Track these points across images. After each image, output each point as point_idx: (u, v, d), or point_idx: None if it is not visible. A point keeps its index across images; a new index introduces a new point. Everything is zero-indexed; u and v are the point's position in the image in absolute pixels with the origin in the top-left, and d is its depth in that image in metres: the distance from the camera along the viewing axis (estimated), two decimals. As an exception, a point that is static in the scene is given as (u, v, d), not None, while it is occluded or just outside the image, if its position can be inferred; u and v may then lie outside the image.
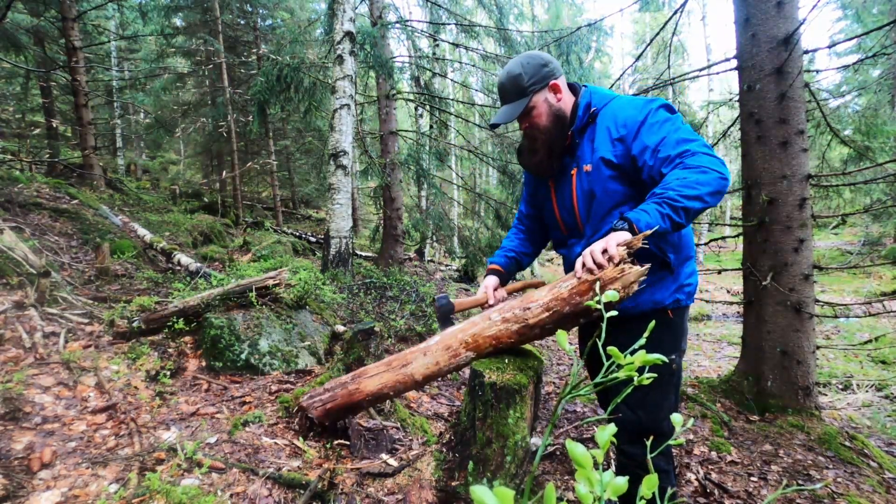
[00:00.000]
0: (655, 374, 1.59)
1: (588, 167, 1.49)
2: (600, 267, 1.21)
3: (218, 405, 2.38)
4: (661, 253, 1.47)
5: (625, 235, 1.22)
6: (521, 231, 1.92)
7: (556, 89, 1.51)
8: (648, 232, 1.20)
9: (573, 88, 1.58)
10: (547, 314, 1.34)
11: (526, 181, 1.86)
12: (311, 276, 3.97)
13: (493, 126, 1.60)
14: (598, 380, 0.59)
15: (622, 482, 0.51)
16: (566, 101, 1.53)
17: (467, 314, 3.11)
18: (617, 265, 1.20)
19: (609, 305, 1.21)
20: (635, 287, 1.19)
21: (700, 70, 4.22)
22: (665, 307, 1.51)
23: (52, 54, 9.66)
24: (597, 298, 0.69)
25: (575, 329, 1.67)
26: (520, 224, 1.93)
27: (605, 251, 1.21)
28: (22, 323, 2.62)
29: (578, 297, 1.27)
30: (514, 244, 1.88)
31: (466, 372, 1.85)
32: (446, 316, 1.82)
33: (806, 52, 3.08)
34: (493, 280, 1.78)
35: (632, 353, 0.62)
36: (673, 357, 1.52)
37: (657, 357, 0.59)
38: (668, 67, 4.55)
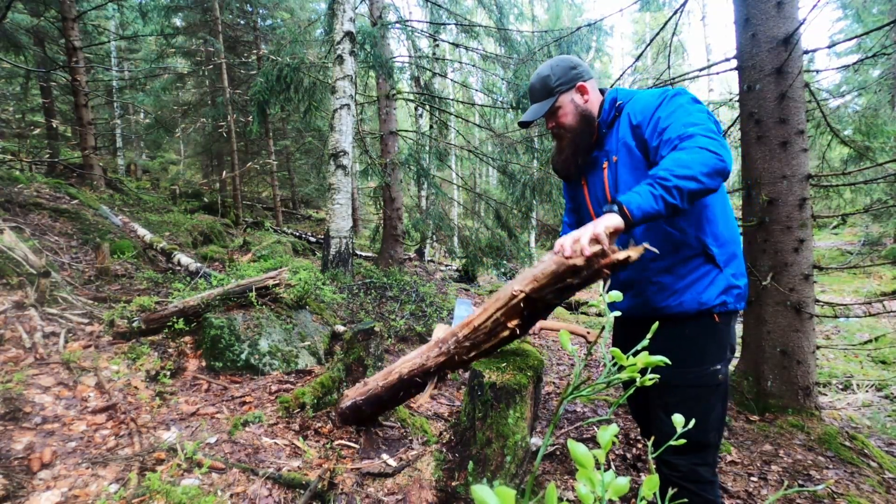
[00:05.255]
0: (700, 387, 1.46)
1: (616, 157, 1.50)
2: (583, 254, 1.11)
3: (218, 405, 2.37)
4: (700, 245, 1.40)
5: (615, 219, 1.14)
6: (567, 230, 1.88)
7: (583, 90, 1.55)
8: (644, 247, 1.11)
9: (603, 93, 1.62)
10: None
11: (564, 190, 1.85)
12: (311, 276, 3.96)
13: (522, 124, 1.63)
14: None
15: (623, 483, 0.51)
16: (593, 102, 1.57)
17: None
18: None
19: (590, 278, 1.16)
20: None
21: (700, 70, 4.22)
22: (710, 309, 1.42)
23: (52, 54, 9.66)
24: (600, 297, 0.69)
25: (578, 331, 1.66)
26: (566, 226, 1.91)
27: (594, 239, 1.11)
28: (22, 323, 2.62)
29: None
30: None
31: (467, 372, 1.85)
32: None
33: (806, 52, 3.08)
34: None
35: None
36: (718, 367, 1.44)
37: (660, 359, 0.59)
38: (668, 67, 4.55)
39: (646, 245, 1.12)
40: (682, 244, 1.41)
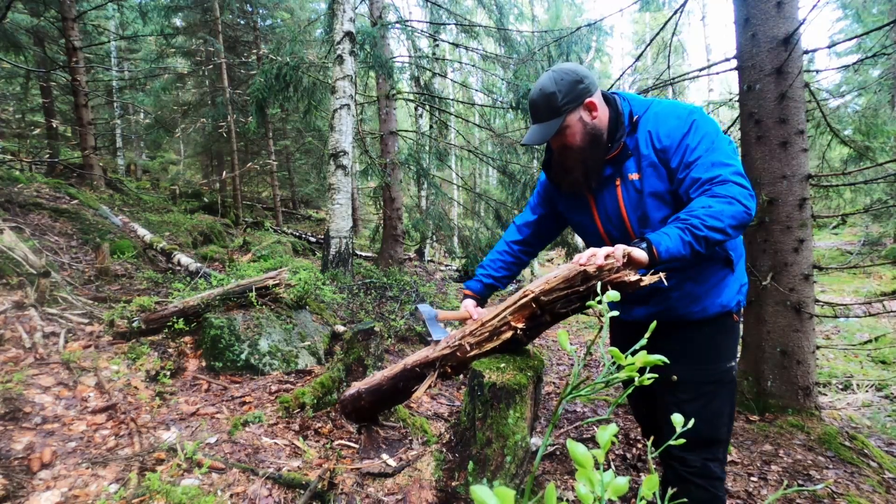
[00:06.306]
0: (716, 383, 1.49)
1: (636, 175, 1.42)
2: (595, 264, 1.19)
3: (218, 405, 2.38)
4: (724, 252, 1.44)
5: (640, 253, 1.18)
6: (512, 248, 1.83)
7: (591, 107, 1.42)
8: (660, 277, 1.19)
9: (605, 97, 1.50)
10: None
11: (542, 188, 1.76)
12: (311, 276, 3.97)
13: (525, 145, 1.56)
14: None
15: (623, 483, 0.51)
16: (602, 118, 1.45)
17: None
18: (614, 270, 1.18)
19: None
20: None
21: (700, 70, 4.22)
22: (730, 311, 1.47)
23: (52, 54, 9.65)
24: (598, 298, 0.69)
25: (578, 331, 1.66)
26: (517, 235, 1.83)
27: (610, 255, 1.18)
28: (22, 323, 2.62)
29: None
30: (496, 266, 1.82)
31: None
32: (432, 321, 1.81)
33: (806, 52, 3.08)
34: (471, 302, 1.77)
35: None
36: (732, 363, 1.49)
37: (659, 358, 0.59)
38: (668, 67, 4.55)
39: (662, 275, 1.20)
40: (712, 255, 1.44)
